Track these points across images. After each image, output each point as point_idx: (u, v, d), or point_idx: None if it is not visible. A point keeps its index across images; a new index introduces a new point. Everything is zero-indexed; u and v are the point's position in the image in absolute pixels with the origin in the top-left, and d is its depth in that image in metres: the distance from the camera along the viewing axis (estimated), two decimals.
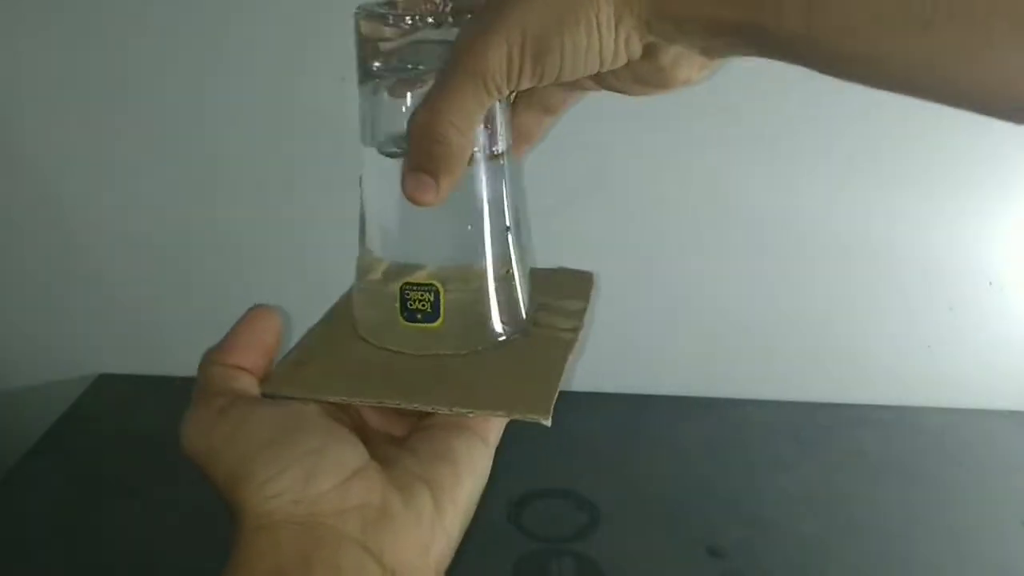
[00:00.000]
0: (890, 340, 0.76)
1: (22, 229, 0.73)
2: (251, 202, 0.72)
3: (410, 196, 0.29)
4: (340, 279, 0.75)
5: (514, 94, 0.33)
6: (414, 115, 0.28)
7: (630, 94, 0.31)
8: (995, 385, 0.77)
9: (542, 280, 0.38)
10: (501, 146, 0.33)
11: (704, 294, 0.74)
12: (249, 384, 0.30)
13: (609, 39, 0.26)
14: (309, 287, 0.77)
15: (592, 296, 0.38)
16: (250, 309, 0.31)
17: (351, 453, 0.27)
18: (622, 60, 0.27)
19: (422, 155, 0.28)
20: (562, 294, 0.38)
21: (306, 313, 0.77)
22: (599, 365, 0.69)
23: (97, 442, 0.70)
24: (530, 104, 0.35)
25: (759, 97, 0.65)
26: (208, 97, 0.68)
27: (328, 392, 0.30)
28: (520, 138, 0.35)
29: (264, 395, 0.30)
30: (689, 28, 0.25)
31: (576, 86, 0.32)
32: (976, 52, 0.21)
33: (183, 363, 0.79)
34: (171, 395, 0.75)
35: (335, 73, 0.66)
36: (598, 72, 0.27)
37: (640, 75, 0.29)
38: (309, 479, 0.26)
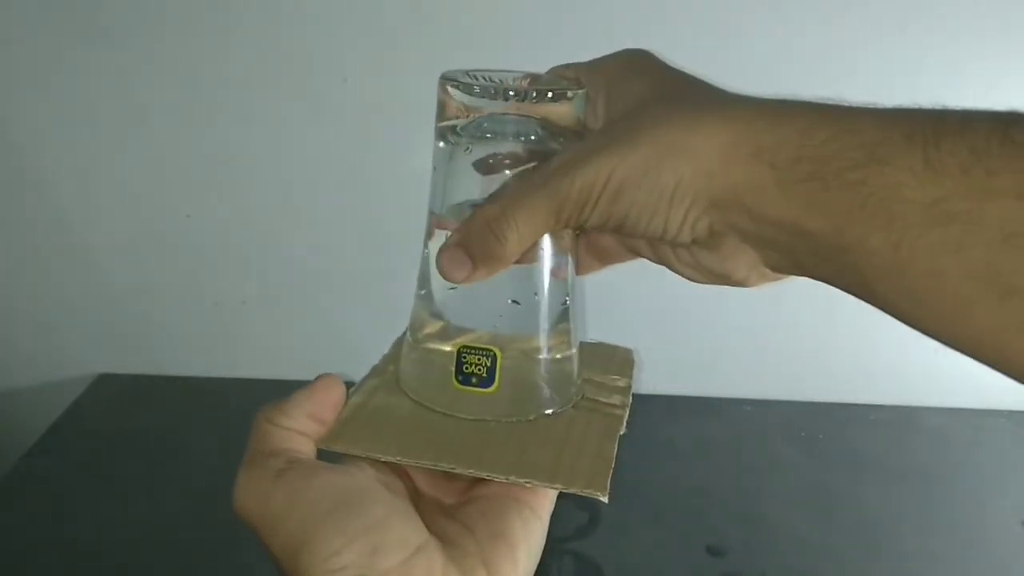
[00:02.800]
0: (891, 340, 0.76)
1: (22, 229, 0.73)
2: (251, 202, 0.72)
3: (441, 267, 0.29)
4: (340, 280, 0.75)
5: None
6: (484, 204, 0.28)
7: (685, 276, 0.30)
8: (995, 385, 0.77)
9: (584, 353, 0.37)
10: None
11: (705, 294, 0.74)
12: (306, 446, 0.29)
13: (679, 211, 0.26)
14: (309, 287, 0.77)
15: (634, 374, 0.39)
16: (319, 376, 0.31)
17: (413, 528, 0.27)
18: (685, 237, 0.26)
19: (475, 240, 0.28)
20: (606, 370, 0.38)
21: (306, 312, 0.77)
22: None
23: (97, 442, 0.70)
24: (588, 243, 0.35)
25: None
26: (210, 97, 0.68)
27: (382, 451, 0.30)
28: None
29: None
30: (766, 231, 0.25)
31: (634, 249, 0.32)
32: None
33: (183, 363, 0.80)
34: (171, 395, 0.76)
35: (337, 74, 0.66)
36: (661, 240, 0.27)
37: (698, 260, 0.28)
38: (375, 554, 0.25)
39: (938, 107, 0.23)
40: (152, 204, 0.72)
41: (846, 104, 0.24)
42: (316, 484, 0.27)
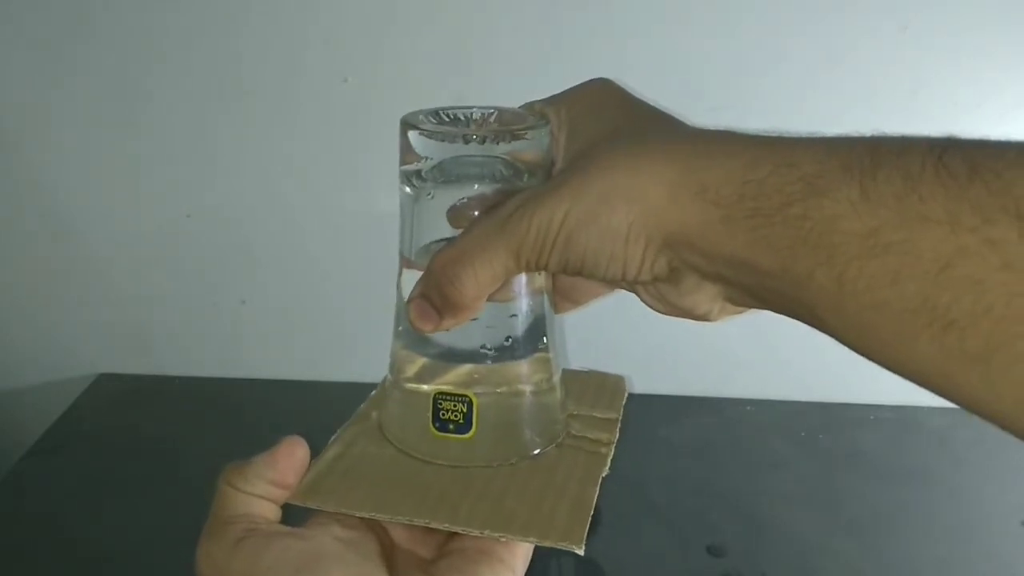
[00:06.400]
0: None
1: (21, 229, 0.73)
2: (252, 201, 0.72)
3: (411, 319, 0.29)
4: (339, 280, 0.75)
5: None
6: (442, 249, 0.28)
7: (652, 308, 0.30)
8: None
9: (573, 383, 0.37)
10: None
11: None
12: (268, 510, 0.29)
13: (636, 252, 0.25)
14: (310, 285, 0.77)
15: (623, 405, 0.37)
16: (282, 440, 0.31)
17: None
18: (646, 276, 0.26)
19: (434, 290, 0.28)
20: (594, 401, 0.37)
21: (306, 312, 0.77)
22: (599, 365, 0.69)
23: (97, 442, 0.70)
24: (557, 286, 0.34)
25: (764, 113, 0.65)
26: (209, 97, 0.68)
27: (356, 506, 0.29)
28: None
29: (289, 503, 0.30)
30: (720, 268, 0.24)
31: (606, 282, 0.31)
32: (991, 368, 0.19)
33: (183, 363, 0.80)
34: (171, 395, 0.76)
35: (338, 73, 0.66)
36: (622, 281, 0.27)
37: (663, 295, 0.28)
38: None
39: (877, 134, 0.22)
40: (152, 204, 0.72)
41: (789, 136, 0.24)
42: (274, 551, 0.26)
